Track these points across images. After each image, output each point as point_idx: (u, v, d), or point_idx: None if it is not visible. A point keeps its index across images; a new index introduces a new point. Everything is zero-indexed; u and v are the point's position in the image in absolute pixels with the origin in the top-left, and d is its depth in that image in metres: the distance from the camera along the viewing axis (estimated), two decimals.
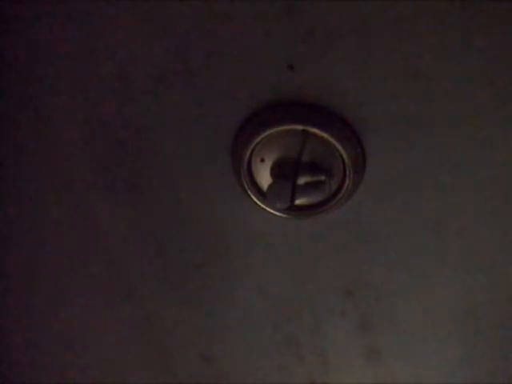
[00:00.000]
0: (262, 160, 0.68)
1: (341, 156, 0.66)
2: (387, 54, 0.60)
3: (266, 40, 0.61)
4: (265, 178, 0.69)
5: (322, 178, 0.67)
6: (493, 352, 0.86)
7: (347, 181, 0.67)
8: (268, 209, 0.72)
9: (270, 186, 0.67)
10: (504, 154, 0.66)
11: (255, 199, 0.71)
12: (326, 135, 0.64)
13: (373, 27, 0.58)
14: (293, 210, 0.71)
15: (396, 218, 0.73)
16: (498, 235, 0.73)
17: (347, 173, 0.67)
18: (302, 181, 0.66)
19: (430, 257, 0.76)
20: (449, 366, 0.89)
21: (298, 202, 0.67)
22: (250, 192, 0.71)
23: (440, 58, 0.59)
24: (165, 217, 0.78)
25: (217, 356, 0.94)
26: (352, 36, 0.59)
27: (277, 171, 0.68)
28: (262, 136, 0.65)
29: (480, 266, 0.76)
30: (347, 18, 0.58)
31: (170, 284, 0.86)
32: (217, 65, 0.63)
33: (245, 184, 0.70)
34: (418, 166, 0.68)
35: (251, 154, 0.68)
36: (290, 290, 0.84)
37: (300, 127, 0.64)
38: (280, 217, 0.73)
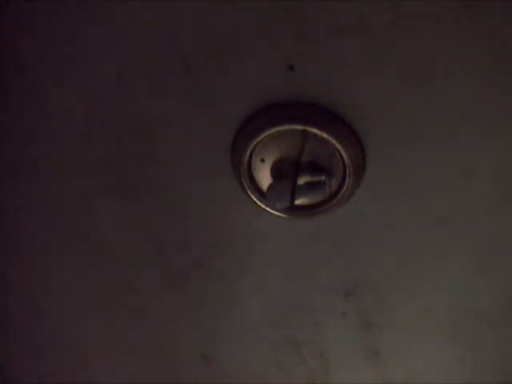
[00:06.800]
0: (262, 160, 0.68)
1: (341, 156, 0.66)
2: (387, 54, 0.60)
3: (266, 40, 0.61)
4: (265, 178, 0.69)
5: (322, 178, 0.67)
6: (493, 352, 0.86)
7: (347, 181, 0.67)
8: (268, 209, 0.72)
9: (270, 186, 0.67)
10: (504, 154, 0.66)
11: (255, 199, 0.71)
12: (325, 135, 0.64)
13: (373, 27, 0.58)
14: (293, 209, 0.71)
15: (396, 218, 0.73)
16: (498, 235, 0.73)
17: (347, 173, 0.67)
18: (302, 181, 0.66)
19: (430, 257, 0.76)
20: (449, 366, 0.89)
21: (297, 202, 0.67)
22: (249, 192, 0.71)
23: (440, 57, 0.59)
24: (165, 217, 0.78)
25: (217, 356, 0.94)
26: (352, 36, 0.59)
27: (277, 171, 0.68)
28: (262, 136, 0.65)
29: (480, 265, 0.76)
30: (347, 17, 0.58)
31: (170, 284, 0.86)
32: (217, 65, 0.63)
33: (245, 184, 0.70)
34: (417, 166, 0.68)
35: (251, 154, 0.68)
36: (290, 290, 0.84)
37: (300, 127, 0.64)
38: (280, 217, 0.73)
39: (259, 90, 0.64)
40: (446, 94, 0.62)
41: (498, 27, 0.56)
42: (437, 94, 0.62)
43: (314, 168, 0.67)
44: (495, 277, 0.77)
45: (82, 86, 0.68)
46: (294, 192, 0.65)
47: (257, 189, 0.71)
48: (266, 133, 0.65)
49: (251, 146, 0.66)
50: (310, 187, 0.67)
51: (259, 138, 0.66)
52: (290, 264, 0.81)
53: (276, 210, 0.72)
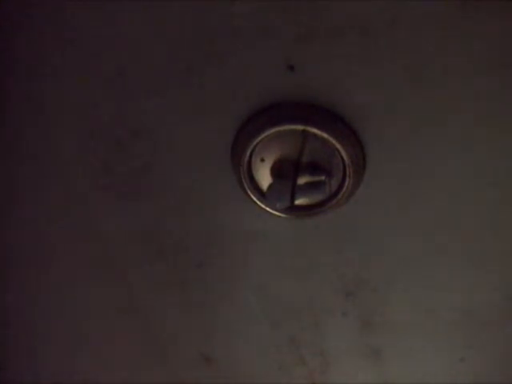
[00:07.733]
0: (262, 160, 0.68)
1: (341, 156, 0.66)
2: (387, 54, 0.60)
3: (265, 40, 0.61)
4: (265, 178, 0.69)
5: (322, 177, 0.67)
6: (493, 352, 0.86)
7: (347, 181, 0.67)
8: (268, 209, 0.72)
9: (270, 186, 0.67)
10: (505, 154, 0.66)
11: (255, 199, 0.71)
12: (325, 135, 0.64)
13: (373, 27, 0.58)
14: (293, 209, 0.71)
15: (396, 218, 0.73)
16: (497, 235, 0.73)
17: (347, 173, 0.67)
18: (302, 181, 0.66)
19: (430, 257, 0.76)
20: (449, 366, 0.89)
21: (297, 202, 0.67)
22: (249, 192, 0.71)
23: (440, 58, 0.59)
24: (165, 217, 0.78)
25: (217, 356, 0.94)
26: (352, 36, 0.59)
27: (277, 171, 0.68)
28: (262, 136, 0.65)
29: (480, 265, 0.76)
30: (347, 17, 0.58)
31: (170, 284, 0.86)
32: (217, 65, 0.63)
33: (245, 184, 0.70)
34: (418, 166, 0.68)
35: (251, 154, 0.68)
36: (290, 289, 0.84)
37: (300, 127, 0.64)
38: (280, 217, 0.73)
39: (259, 89, 0.64)
40: (446, 94, 0.62)
41: (499, 27, 0.56)
42: (437, 93, 0.62)
43: (314, 168, 0.67)
44: (495, 277, 0.77)
45: (81, 86, 0.68)
46: (294, 192, 0.65)
47: (257, 189, 0.71)
48: (266, 133, 0.65)
49: (251, 146, 0.66)
50: (310, 187, 0.67)
51: (259, 138, 0.66)
52: (290, 264, 0.81)
53: (276, 210, 0.72)
